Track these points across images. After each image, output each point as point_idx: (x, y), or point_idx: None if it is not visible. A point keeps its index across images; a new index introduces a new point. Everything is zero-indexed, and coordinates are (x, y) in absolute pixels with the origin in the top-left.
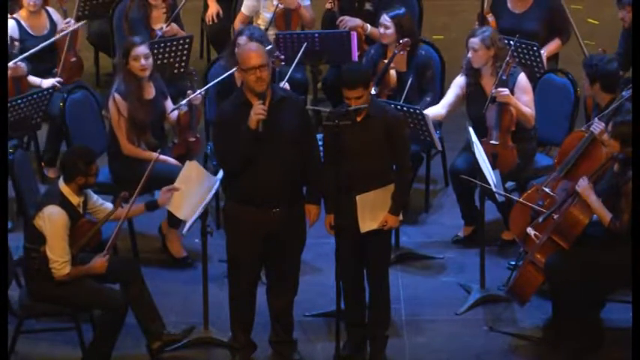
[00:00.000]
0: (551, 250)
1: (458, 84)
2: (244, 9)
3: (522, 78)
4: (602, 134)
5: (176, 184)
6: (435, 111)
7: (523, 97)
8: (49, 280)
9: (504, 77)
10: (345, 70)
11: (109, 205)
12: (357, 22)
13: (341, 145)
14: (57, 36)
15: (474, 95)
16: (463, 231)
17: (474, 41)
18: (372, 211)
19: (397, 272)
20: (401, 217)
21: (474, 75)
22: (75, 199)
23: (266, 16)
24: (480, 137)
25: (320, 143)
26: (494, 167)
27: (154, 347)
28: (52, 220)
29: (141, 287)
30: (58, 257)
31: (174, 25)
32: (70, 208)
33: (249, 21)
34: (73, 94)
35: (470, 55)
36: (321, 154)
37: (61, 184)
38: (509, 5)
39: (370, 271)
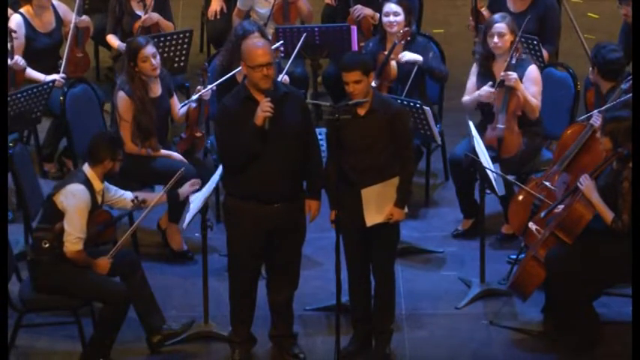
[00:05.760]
0: (554, 246)
1: (473, 72)
2: (239, 3)
3: (533, 69)
4: None
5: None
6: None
7: (532, 88)
8: (56, 264)
9: (513, 62)
10: (344, 56)
11: (129, 195)
12: (369, 11)
13: (345, 139)
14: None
15: (484, 81)
16: (463, 224)
17: (501, 26)
18: (378, 205)
19: (397, 266)
20: (406, 210)
21: (486, 61)
22: (98, 185)
23: (259, 11)
24: (485, 124)
25: (322, 137)
26: (499, 152)
27: (154, 341)
28: (75, 196)
29: (141, 281)
30: (75, 232)
31: (153, 15)
32: (92, 193)
33: (245, 15)
34: (73, 89)
35: (496, 40)
36: (324, 148)
37: (86, 169)
38: (508, 5)
39: (375, 264)
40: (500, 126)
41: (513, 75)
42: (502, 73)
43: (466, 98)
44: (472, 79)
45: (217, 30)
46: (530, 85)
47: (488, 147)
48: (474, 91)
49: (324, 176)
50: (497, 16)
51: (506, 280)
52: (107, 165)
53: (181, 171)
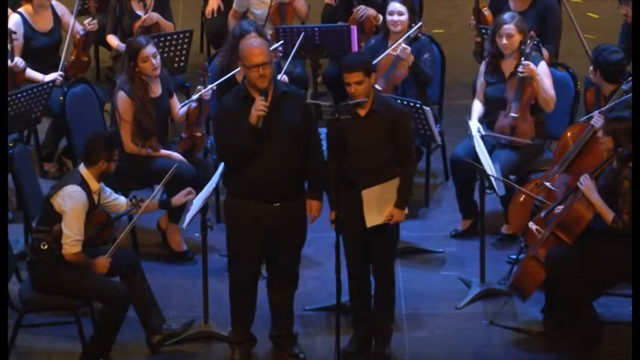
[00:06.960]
0: (554, 246)
1: (481, 72)
2: (235, 5)
3: (544, 65)
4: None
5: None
6: (478, 111)
7: (546, 81)
8: (55, 265)
9: (528, 50)
10: (346, 56)
11: (122, 199)
12: (372, 12)
13: (346, 139)
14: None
15: (491, 77)
16: (462, 225)
17: (510, 27)
18: (378, 206)
19: (397, 266)
20: (406, 211)
21: (495, 59)
22: (94, 185)
23: (255, 12)
24: (491, 120)
25: (323, 137)
26: (510, 140)
27: (154, 341)
28: (72, 197)
29: (140, 281)
30: (73, 234)
31: (153, 15)
32: (89, 194)
33: (240, 17)
34: (73, 88)
35: (504, 41)
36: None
37: (82, 169)
38: (510, 4)
39: (375, 265)
40: (513, 114)
41: (531, 64)
42: (523, 62)
43: (478, 102)
44: (480, 80)
45: (215, 28)
46: (544, 77)
47: (500, 134)
48: (483, 91)
49: (326, 177)
50: (506, 16)
51: (506, 280)
52: (102, 165)
53: (175, 167)
